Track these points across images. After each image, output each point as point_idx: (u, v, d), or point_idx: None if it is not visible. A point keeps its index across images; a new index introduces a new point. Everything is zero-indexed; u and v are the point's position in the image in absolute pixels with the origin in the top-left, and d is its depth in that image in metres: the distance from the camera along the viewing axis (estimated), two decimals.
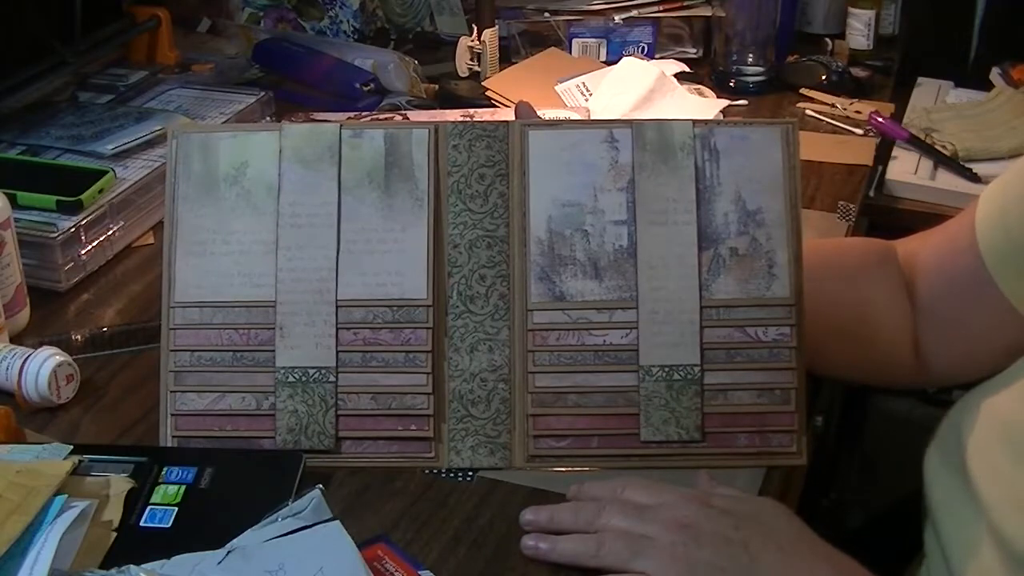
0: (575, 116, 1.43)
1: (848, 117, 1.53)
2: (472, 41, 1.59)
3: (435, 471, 0.88)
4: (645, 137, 0.90)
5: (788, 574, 0.76)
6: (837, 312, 0.96)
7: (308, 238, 0.89)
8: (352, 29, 1.73)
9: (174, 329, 0.89)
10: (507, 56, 1.67)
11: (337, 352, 0.88)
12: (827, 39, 1.73)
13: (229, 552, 0.75)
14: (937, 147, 1.46)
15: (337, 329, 0.88)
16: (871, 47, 1.71)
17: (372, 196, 0.90)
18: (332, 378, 0.88)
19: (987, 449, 0.85)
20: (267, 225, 0.90)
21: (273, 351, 0.88)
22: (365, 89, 1.55)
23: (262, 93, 1.46)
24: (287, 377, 0.88)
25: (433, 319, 0.89)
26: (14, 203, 1.08)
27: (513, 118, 1.30)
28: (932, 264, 0.96)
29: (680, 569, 0.75)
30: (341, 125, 0.92)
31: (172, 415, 0.89)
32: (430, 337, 0.88)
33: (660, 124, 0.91)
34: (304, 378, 0.88)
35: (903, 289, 0.97)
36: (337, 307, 0.89)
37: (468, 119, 1.44)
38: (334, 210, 0.90)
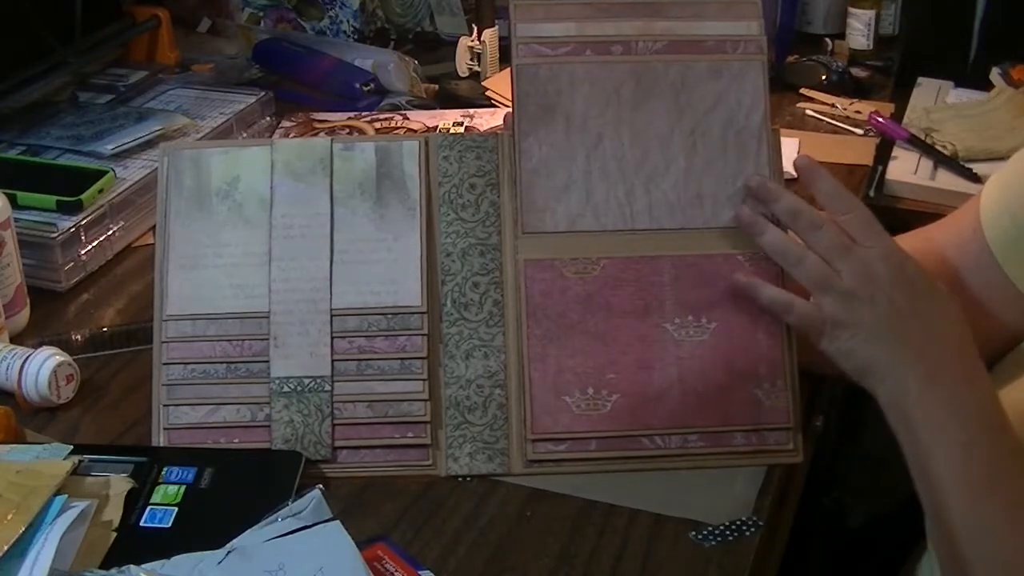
0: None
1: (848, 117, 1.53)
2: (472, 41, 1.59)
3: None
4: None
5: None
6: None
7: (301, 249, 0.89)
8: (352, 29, 1.73)
9: (166, 342, 0.89)
10: (507, 56, 1.66)
11: (332, 361, 0.88)
12: (827, 39, 1.73)
13: (229, 552, 0.75)
14: (937, 147, 1.46)
15: (332, 338, 0.88)
16: (871, 47, 1.71)
17: (364, 207, 0.90)
18: (327, 387, 0.88)
19: None
20: (260, 237, 0.90)
21: (267, 362, 0.88)
22: (365, 89, 1.55)
23: (262, 93, 1.46)
24: (282, 387, 0.88)
25: (428, 326, 0.89)
26: (14, 203, 1.08)
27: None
28: (934, 257, 0.96)
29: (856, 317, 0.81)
30: (332, 139, 0.92)
31: (165, 429, 0.88)
32: (425, 343, 0.88)
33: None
34: (299, 388, 0.88)
35: None
36: (331, 316, 0.89)
37: (467, 116, 1.44)
38: (327, 221, 0.90)
